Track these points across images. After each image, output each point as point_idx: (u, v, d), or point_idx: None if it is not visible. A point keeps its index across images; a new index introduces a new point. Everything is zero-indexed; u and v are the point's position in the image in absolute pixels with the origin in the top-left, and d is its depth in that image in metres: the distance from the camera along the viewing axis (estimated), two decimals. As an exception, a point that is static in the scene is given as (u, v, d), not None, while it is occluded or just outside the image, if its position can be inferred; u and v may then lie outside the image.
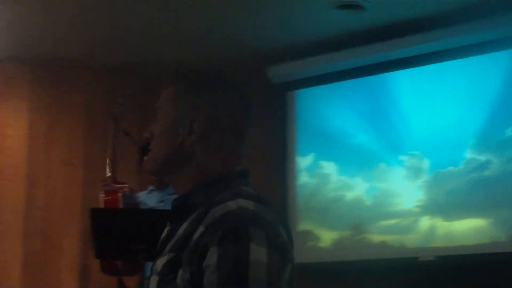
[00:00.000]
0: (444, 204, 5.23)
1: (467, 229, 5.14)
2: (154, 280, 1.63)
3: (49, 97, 6.08)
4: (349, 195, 5.66)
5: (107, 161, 5.15)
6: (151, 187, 5.10)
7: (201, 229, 1.56)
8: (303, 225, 5.82)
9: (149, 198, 5.03)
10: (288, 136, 5.97)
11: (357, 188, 5.64)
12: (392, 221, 5.39)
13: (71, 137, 6.04)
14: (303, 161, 5.88)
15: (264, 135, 5.93)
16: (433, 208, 5.28)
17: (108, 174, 5.12)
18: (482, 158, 5.13)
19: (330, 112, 5.81)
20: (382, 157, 5.54)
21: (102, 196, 4.98)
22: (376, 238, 5.38)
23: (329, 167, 5.77)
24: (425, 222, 5.28)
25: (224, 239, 1.51)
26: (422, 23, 5.20)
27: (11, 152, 5.98)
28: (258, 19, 5.24)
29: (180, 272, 1.56)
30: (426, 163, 5.34)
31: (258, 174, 5.99)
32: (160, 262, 1.63)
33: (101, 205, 4.93)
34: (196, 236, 1.56)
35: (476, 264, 5.02)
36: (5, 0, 4.95)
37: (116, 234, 4.39)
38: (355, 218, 5.58)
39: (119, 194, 5.00)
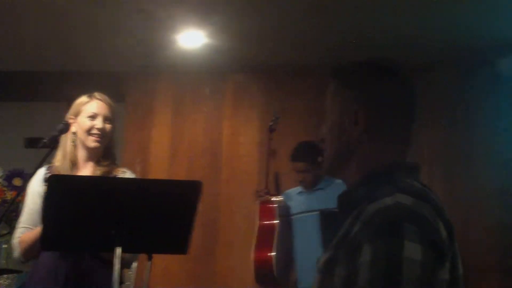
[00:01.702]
0: None
1: None
2: (317, 278, 1.64)
3: (277, 102, 6.24)
4: None
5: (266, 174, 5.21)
6: (299, 189, 5.08)
7: (357, 226, 1.55)
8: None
9: (299, 202, 5.02)
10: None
11: None
12: None
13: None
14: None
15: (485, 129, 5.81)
16: None
17: (264, 184, 5.19)
18: None
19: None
20: None
21: (258, 206, 5.05)
22: None
23: None
24: None
25: (378, 236, 1.49)
26: None
27: (245, 159, 6.23)
28: (488, 11, 5.09)
29: (337, 270, 1.55)
30: None
31: (490, 170, 5.86)
32: (323, 260, 1.64)
33: (257, 215, 5.00)
34: (353, 232, 1.55)
35: None
36: (245, 13, 5.16)
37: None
38: None
39: (275, 205, 5.05)
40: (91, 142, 3.34)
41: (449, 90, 6.09)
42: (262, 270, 4.88)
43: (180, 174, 6.19)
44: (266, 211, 5.05)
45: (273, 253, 4.89)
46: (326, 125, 1.78)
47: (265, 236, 4.96)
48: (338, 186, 5.03)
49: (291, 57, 6.05)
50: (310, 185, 5.03)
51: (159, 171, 6.28)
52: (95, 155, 3.36)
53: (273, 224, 5.00)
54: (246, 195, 5.99)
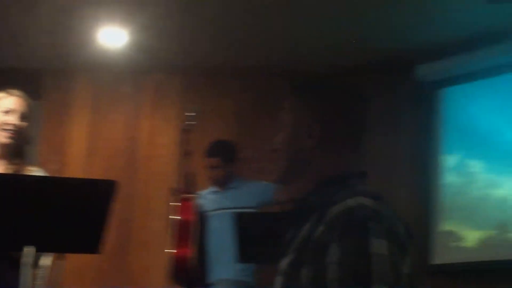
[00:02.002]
0: None
1: None
2: (279, 280, 1.70)
3: (197, 104, 6.20)
4: (496, 193, 5.54)
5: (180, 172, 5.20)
6: (212, 188, 5.15)
7: (321, 227, 1.61)
8: (446, 225, 5.74)
9: (212, 200, 5.08)
10: (434, 134, 5.91)
11: (504, 186, 5.51)
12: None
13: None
14: (450, 160, 5.79)
15: (410, 134, 5.93)
16: None
17: (178, 184, 5.15)
18: None
19: (478, 109, 5.70)
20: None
21: (174, 204, 5.01)
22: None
23: (476, 166, 5.65)
24: None
25: (344, 235, 1.56)
26: None
27: (161, 160, 6.19)
28: (406, 17, 5.23)
29: (304, 271, 1.61)
30: None
31: (402, 172, 5.99)
32: (284, 261, 1.69)
33: (175, 212, 4.97)
34: (317, 234, 1.61)
35: None
36: (168, 12, 5.17)
37: (262, 238, 4.45)
38: (500, 217, 5.46)
39: (193, 202, 5.04)
40: (3, 137, 3.28)
41: (374, 95, 6.17)
42: (180, 267, 4.87)
43: (97, 173, 6.10)
44: (184, 208, 5.03)
45: (191, 250, 4.89)
46: (281, 136, 1.85)
47: (183, 233, 4.94)
48: (251, 186, 5.13)
49: (212, 58, 6.06)
50: (223, 184, 5.09)
51: (75, 170, 6.18)
52: (6, 152, 3.30)
53: (192, 220, 5.00)
54: (162, 196, 5.91)
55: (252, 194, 5.05)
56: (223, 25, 5.42)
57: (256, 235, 4.42)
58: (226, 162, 5.06)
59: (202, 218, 5.04)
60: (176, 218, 4.99)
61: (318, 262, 1.58)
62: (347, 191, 1.68)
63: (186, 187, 5.12)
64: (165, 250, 4.95)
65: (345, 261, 1.54)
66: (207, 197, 5.13)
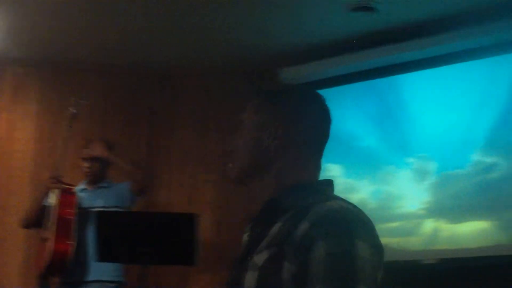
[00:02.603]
0: (449, 207, 5.22)
1: (471, 231, 5.13)
2: (252, 275, 1.66)
3: (57, 100, 6.11)
4: (354, 197, 5.64)
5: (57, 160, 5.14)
6: (82, 186, 5.15)
7: (305, 224, 1.60)
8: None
9: (84, 198, 5.08)
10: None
11: (362, 191, 5.65)
12: (395, 224, 5.41)
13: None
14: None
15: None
16: (437, 210, 5.27)
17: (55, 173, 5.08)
18: (489, 160, 5.11)
19: (338, 114, 5.77)
20: (389, 160, 5.54)
21: (57, 195, 4.96)
22: (379, 240, 5.39)
23: (335, 170, 5.76)
24: (429, 225, 5.28)
25: (332, 234, 1.57)
26: (433, 25, 5.20)
27: (19, 155, 6.05)
28: (270, 21, 5.28)
29: (286, 265, 1.59)
30: (433, 166, 5.33)
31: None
32: (260, 257, 1.66)
33: (56, 204, 4.93)
34: (300, 230, 1.60)
35: (479, 267, 5.00)
36: (13, 4, 5.00)
37: (124, 237, 4.41)
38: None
39: (75, 196, 5.05)
40: None
41: (231, 96, 6.21)
42: (59, 261, 4.81)
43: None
44: (66, 201, 4.97)
45: (71, 244, 4.87)
46: (241, 138, 1.84)
47: (64, 227, 4.89)
48: (120, 187, 5.10)
49: (73, 53, 5.95)
50: (94, 181, 5.11)
51: None
52: None
53: (71, 215, 4.97)
54: (18, 192, 5.85)
55: (118, 194, 5.09)
56: (85, 22, 5.33)
57: (115, 235, 4.39)
58: (101, 160, 5.07)
59: (80, 214, 4.98)
60: (60, 210, 4.90)
61: (302, 256, 1.57)
62: (322, 196, 1.71)
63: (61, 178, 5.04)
64: (43, 242, 4.87)
65: (330, 260, 1.54)
66: (80, 194, 5.10)
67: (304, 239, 1.58)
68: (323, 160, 1.86)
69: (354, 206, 1.69)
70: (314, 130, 1.84)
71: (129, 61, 6.08)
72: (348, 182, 5.71)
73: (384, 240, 1.66)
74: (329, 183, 1.83)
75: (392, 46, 5.42)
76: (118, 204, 5.03)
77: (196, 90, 6.32)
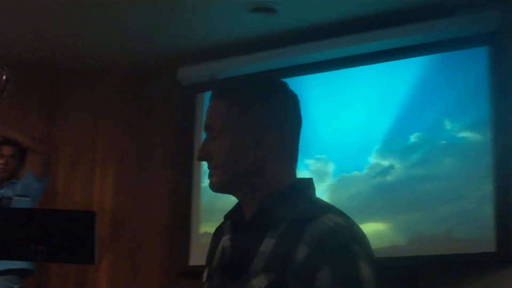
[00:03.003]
0: (347, 208, 5.14)
1: (367, 233, 5.03)
2: None
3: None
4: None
5: None
6: None
7: (303, 248, 1.54)
8: (205, 227, 5.80)
9: None
10: (195, 138, 5.93)
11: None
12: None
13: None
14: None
15: (173, 136, 5.92)
16: (335, 212, 5.32)
17: None
18: (386, 163, 5.21)
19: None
20: (287, 161, 5.56)
21: None
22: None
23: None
24: (326, 226, 5.32)
25: (334, 259, 1.52)
26: (332, 28, 5.27)
27: None
28: (170, 19, 5.24)
29: None
30: (331, 167, 5.39)
31: (165, 175, 6.04)
32: (258, 283, 1.57)
33: None
34: (299, 256, 1.53)
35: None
36: None
37: (16, 234, 4.32)
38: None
39: None
40: None
41: (128, 95, 6.14)
42: None
43: None
44: None
45: None
46: (217, 145, 1.69)
47: None
48: (25, 177, 5.04)
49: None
50: (7, 177, 5.03)
51: None
52: None
53: None
54: None
55: (25, 185, 5.05)
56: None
57: (9, 231, 4.33)
58: (19, 152, 5.05)
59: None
60: None
61: (306, 286, 1.51)
62: (311, 205, 1.65)
63: None
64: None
65: (337, 286, 1.50)
66: None
67: (306, 266, 1.53)
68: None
69: (346, 218, 1.62)
70: (292, 126, 1.75)
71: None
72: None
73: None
74: (310, 182, 1.76)
75: (292, 47, 5.46)
76: (27, 193, 5.00)
77: (91, 88, 6.21)
